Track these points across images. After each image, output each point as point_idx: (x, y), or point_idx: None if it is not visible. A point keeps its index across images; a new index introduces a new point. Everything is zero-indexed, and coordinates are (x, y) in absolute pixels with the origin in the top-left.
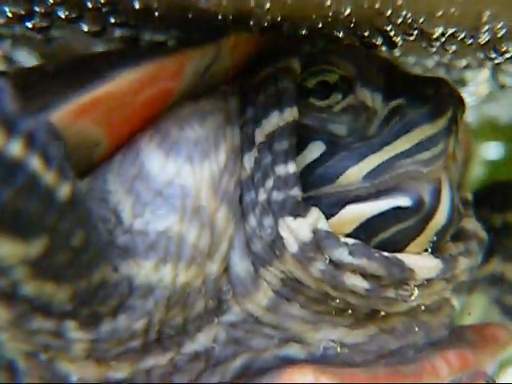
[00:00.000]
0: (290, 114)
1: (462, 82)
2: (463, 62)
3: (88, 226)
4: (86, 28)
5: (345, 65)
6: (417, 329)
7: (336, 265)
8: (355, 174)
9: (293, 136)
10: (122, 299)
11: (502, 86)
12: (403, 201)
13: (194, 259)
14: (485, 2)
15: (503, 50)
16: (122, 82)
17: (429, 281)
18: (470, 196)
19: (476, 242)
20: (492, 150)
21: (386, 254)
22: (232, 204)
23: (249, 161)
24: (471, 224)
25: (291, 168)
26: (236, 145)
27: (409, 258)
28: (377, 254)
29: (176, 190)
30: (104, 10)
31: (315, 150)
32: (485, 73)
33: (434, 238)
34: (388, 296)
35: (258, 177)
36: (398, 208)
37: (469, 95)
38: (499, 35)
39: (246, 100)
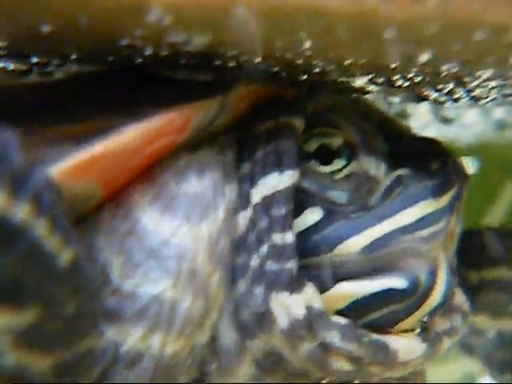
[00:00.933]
0: (291, 177)
1: (404, 115)
2: (396, 99)
3: (84, 293)
4: None
5: (349, 129)
6: None
7: (324, 347)
8: (353, 245)
9: (292, 202)
10: (106, 367)
11: (445, 120)
12: (399, 282)
13: (185, 329)
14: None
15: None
16: (125, 138)
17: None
18: (454, 261)
19: (460, 317)
20: None
21: (374, 336)
22: (226, 269)
23: (243, 220)
24: (458, 297)
25: (289, 238)
26: (233, 202)
27: (396, 341)
28: (366, 338)
29: (172, 251)
30: None
31: (312, 215)
32: (424, 106)
33: (426, 318)
34: (368, 373)
35: (252, 240)
36: (393, 290)
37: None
38: (416, 81)
39: (243, 153)
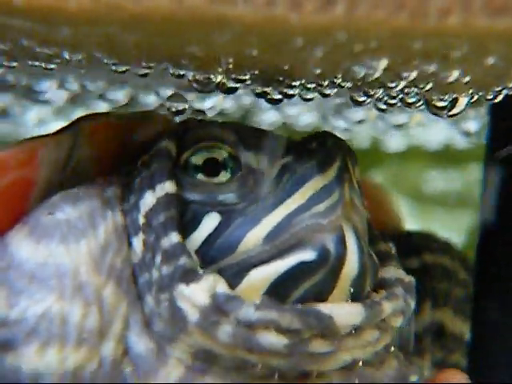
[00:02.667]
0: (161, 189)
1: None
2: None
3: None
4: None
5: (225, 134)
6: (357, 381)
7: (245, 325)
8: (254, 238)
9: (169, 208)
10: None
11: (396, 125)
12: (307, 255)
13: (84, 339)
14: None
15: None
16: None
17: (357, 330)
18: (390, 247)
19: (400, 287)
20: None
21: (298, 305)
22: (122, 282)
23: (138, 244)
24: (391, 272)
25: (174, 238)
26: (119, 226)
27: (325, 306)
28: (287, 306)
29: (50, 270)
30: None
31: (210, 222)
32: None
33: (351, 290)
34: (313, 351)
35: (149, 257)
36: (303, 263)
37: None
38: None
39: (127, 189)
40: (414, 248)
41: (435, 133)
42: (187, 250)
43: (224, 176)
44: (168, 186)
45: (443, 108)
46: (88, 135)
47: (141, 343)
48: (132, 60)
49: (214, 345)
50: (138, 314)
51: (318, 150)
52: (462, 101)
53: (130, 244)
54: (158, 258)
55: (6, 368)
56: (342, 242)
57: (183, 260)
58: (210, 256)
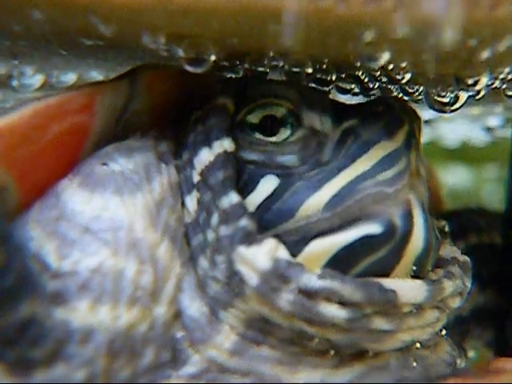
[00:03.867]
0: (219, 146)
1: None
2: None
3: (8, 245)
4: None
5: (287, 92)
6: (414, 364)
7: (307, 293)
8: (314, 204)
9: (228, 166)
10: (58, 345)
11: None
12: (372, 228)
13: (137, 299)
14: None
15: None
16: (22, 115)
17: (418, 309)
18: (444, 224)
19: (457, 266)
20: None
21: (362, 278)
22: (176, 241)
23: (191, 203)
24: (447, 250)
25: (234, 198)
26: (174, 182)
27: (388, 280)
28: (350, 278)
29: (105, 223)
30: None
31: (268, 185)
32: None
33: (414, 268)
34: (374, 328)
35: (204, 217)
36: (368, 237)
37: None
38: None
39: (180, 144)
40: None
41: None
42: (248, 211)
43: (284, 133)
44: (226, 144)
45: None
46: (146, 85)
47: (193, 307)
48: None
49: (273, 312)
50: (192, 275)
51: (385, 113)
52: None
53: (182, 202)
54: (215, 219)
55: (55, 321)
56: (409, 217)
57: (244, 221)
58: (267, 220)
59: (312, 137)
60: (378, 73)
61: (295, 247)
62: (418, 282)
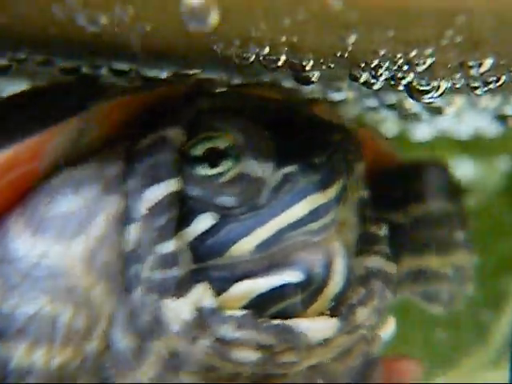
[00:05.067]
0: (168, 187)
1: None
2: None
3: None
4: None
5: (233, 133)
6: (320, 380)
7: (223, 341)
8: (245, 246)
9: (173, 208)
10: None
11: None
12: (294, 276)
13: (70, 340)
14: None
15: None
16: None
17: (326, 340)
18: (381, 229)
19: (380, 281)
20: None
21: (275, 321)
22: (112, 278)
23: (133, 233)
24: (375, 262)
25: (170, 246)
26: (117, 214)
27: (302, 322)
28: (265, 324)
29: (44, 271)
30: None
31: (204, 221)
32: None
33: (332, 303)
34: (283, 362)
35: (141, 251)
36: (289, 283)
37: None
38: None
39: (127, 169)
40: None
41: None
42: (181, 260)
43: (225, 166)
44: (174, 184)
45: None
46: (97, 117)
47: (122, 341)
48: None
49: (191, 352)
50: (124, 308)
51: (323, 165)
52: None
53: (125, 228)
54: (151, 259)
55: None
56: (329, 265)
57: (176, 271)
58: (201, 252)
59: (251, 182)
60: None
61: (222, 285)
62: (331, 321)
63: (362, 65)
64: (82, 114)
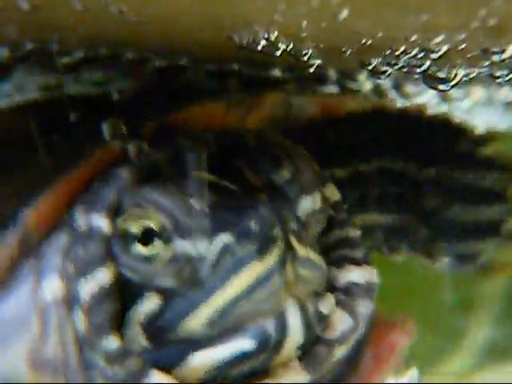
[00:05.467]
0: (101, 277)
1: None
2: None
3: None
4: None
5: (160, 217)
6: None
7: None
8: (194, 321)
9: (109, 301)
10: None
11: None
12: (247, 343)
13: None
14: None
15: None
16: None
17: None
18: (357, 233)
19: (358, 300)
20: None
21: None
22: (59, 370)
23: (79, 321)
24: (351, 276)
25: (113, 343)
26: (56, 304)
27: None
28: None
29: None
30: None
31: (150, 302)
32: None
33: (299, 352)
34: None
35: (92, 340)
36: (244, 351)
37: None
38: None
39: (62, 255)
40: None
41: None
42: (130, 351)
43: (158, 245)
44: (107, 275)
45: None
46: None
47: None
48: None
49: None
50: None
51: (258, 232)
52: None
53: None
54: (99, 354)
55: None
56: (282, 326)
57: (124, 368)
58: (153, 330)
59: (186, 263)
60: None
61: (177, 359)
62: (300, 374)
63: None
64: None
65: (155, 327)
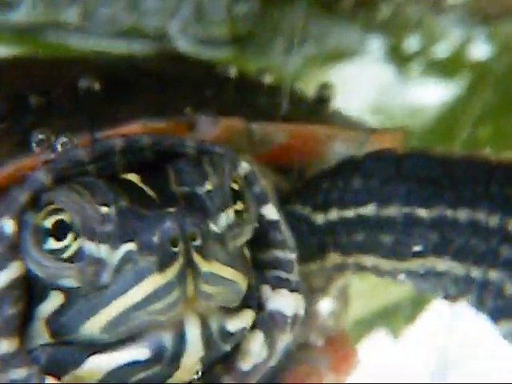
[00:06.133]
0: (6, 275)
1: None
2: None
3: None
4: None
5: (71, 214)
6: None
7: None
8: (93, 325)
9: (10, 304)
10: None
11: None
12: (142, 353)
13: None
14: None
15: None
16: None
17: None
18: (287, 253)
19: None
20: None
21: None
22: None
23: None
24: (278, 301)
25: (11, 346)
26: None
27: None
28: None
29: None
30: None
31: (55, 299)
32: None
33: (198, 369)
34: None
35: None
36: (138, 360)
37: None
38: None
39: None
40: None
41: None
42: (24, 359)
43: (69, 239)
44: (12, 272)
45: None
46: None
47: None
48: None
49: None
50: None
51: (159, 246)
52: None
53: None
54: None
55: None
56: (180, 339)
57: (21, 371)
58: (57, 328)
59: (89, 264)
60: None
61: (76, 360)
62: None
63: None
64: None
65: (58, 325)
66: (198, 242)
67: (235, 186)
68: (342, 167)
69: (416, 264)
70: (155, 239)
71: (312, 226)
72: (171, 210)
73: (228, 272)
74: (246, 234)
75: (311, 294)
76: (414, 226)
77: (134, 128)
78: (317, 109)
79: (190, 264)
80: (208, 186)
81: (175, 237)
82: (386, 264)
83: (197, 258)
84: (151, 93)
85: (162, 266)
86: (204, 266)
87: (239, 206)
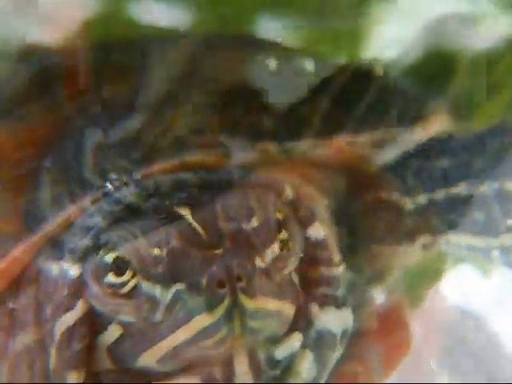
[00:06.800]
0: (74, 314)
1: None
2: None
3: None
4: None
5: (128, 253)
6: None
7: None
8: (149, 357)
9: (78, 339)
10: None
11: None
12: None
13: None
14: None
15: None
16: None
17: None
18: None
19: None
20: None
21: None
22: None
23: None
24: (324, 318)
25: (79, 377)
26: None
27: None
28: None
29: None
30: None
31: (114, 332)
32: None
33: None
34: None
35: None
36: None
37: None
38: None
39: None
40: None
41: None
42: None
43: (128, 275)
44: (76, 315)
45: None
46: None
47: None
48: None
49: None
50: None
51: (207, 289)
52: None
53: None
54: None
55: None
56: (229, 372)
57: None
58: (117, 357)
59: (145, 301)
60: None
61: None
62: None
63: None
64: None
65: (119, 354)
66: (243, 282)
67: (279, 216)
68: (425, 150)
69: (510, 239)
70: (203, 281)
71: (401, 212)
72: (218, 252)
73: (274, 304)
74: (293, 263)
75: (369, 282)
76: (506, 200)
77: None
78: None
79: (236, 303)
80: (254, 222)
81: (221, 279)
82: (479, 242)
83: (242, 297)
84: None
85: (210, 307)
86: (250, 304)
87: (283, 235)
